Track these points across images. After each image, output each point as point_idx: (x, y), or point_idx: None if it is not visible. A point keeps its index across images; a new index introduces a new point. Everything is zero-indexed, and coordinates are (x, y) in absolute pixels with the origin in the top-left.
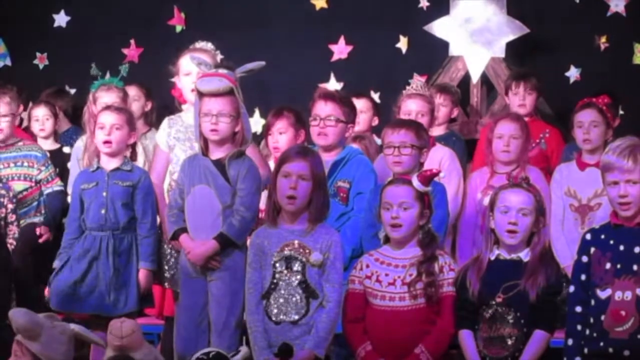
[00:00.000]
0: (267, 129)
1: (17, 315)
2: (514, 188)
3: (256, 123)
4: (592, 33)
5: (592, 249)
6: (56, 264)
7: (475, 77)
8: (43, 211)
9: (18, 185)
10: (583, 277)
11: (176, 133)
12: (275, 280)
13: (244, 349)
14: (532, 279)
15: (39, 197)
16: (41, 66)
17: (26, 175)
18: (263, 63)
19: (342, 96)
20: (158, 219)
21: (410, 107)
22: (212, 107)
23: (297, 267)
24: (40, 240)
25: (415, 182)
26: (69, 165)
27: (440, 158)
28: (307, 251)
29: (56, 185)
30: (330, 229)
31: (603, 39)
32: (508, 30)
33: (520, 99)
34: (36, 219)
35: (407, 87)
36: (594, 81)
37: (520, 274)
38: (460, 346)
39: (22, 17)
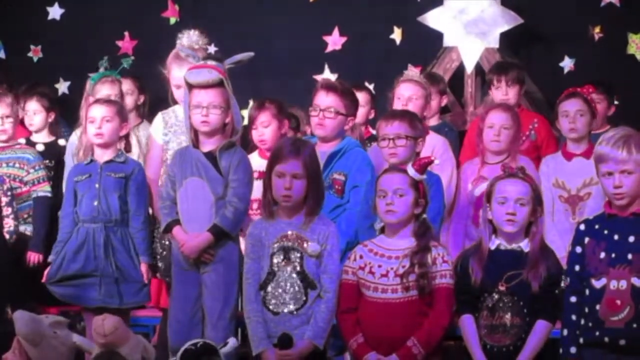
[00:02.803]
0: (251, 122)
1: (20, 322)
2: (510, 178)
3: None
4: (586, 23)
5: (587, 239)
6: (52, 257)
7: (469, 68)
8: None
9: None
10: (577, 267)
11: (171, 127)
12: (272, 271)
13: (232, 340)
14: (534, 270)
15: (27, 199)
16: (35, 59)
17: (15, 176)
18: (252, 54)
19: (344, 88)
20: (150, 211)
21: (404, 92)
22: (203, 99)
23: (294, 257)
24: (31, 264)
25: (411, 170)
26: (65, 158)
27: (433, 146)
28: (305, 242)
29: (41, 191)
30: (327, 220)
31: (597, 29)
32: (502, 21)
33: (503, 93)
34: (27, 227)
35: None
36: (588, 71)
37: (522, 264)
38: (461, 333)
39: (16, 9)
